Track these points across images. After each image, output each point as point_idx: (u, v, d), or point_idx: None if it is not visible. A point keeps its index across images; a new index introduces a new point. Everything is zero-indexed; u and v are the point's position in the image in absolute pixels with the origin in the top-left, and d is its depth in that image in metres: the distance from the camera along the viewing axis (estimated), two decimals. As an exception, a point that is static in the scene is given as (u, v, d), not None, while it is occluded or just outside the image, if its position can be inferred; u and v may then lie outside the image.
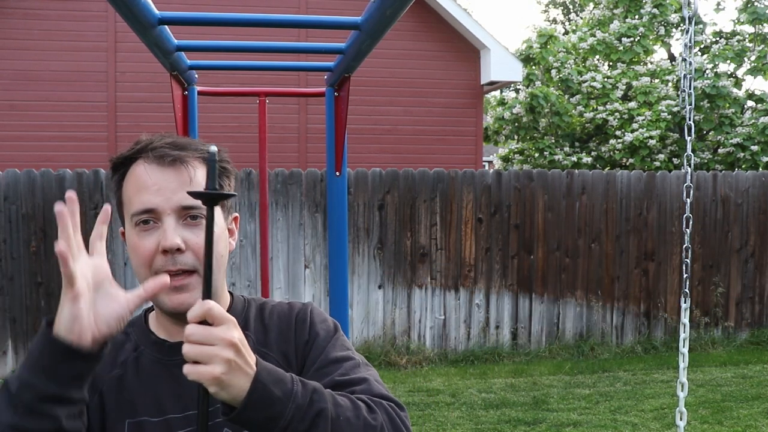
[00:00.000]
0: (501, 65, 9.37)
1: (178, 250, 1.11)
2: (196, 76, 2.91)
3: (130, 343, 1.23)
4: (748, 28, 12.57)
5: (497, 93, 14.47)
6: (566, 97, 12.42)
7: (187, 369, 0.95)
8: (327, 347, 1.22)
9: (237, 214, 1.28)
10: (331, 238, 2.94)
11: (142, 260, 1.13)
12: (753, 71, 11.97)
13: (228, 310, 1.24)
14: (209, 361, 0.94)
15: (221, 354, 0.94)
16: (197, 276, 1.13)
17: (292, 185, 6.78)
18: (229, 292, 1.30)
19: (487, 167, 21.97)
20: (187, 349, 0.95)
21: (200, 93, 3.00)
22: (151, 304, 1.22)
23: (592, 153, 11.98)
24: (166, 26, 2.06)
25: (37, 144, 8.50)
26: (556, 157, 11.52)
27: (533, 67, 12.59)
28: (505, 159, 12.92)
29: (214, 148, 1.05)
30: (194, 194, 1.00)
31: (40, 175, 6.40)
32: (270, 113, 3.60)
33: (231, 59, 7.01)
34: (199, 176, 1.16)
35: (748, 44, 12.34)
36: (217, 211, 1.17)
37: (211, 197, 0.98)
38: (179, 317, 1.16)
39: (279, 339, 1.24)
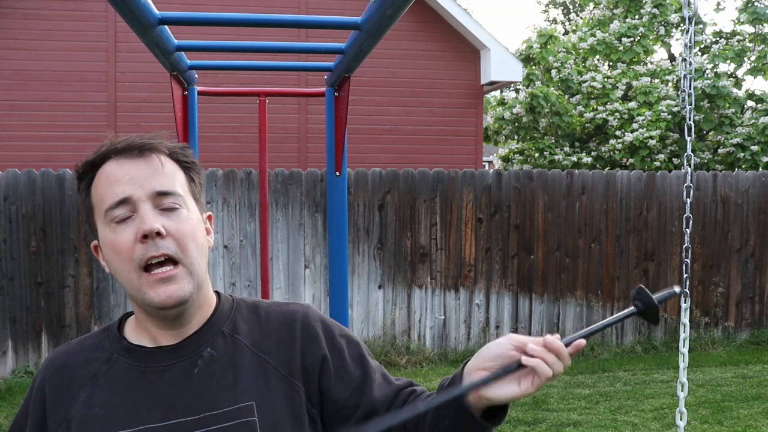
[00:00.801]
0: (501, 65, 9.37)
1: (158, 234, 1.06)
2: (196, 76, 2.92)
3: (102, 353, 1.16)
4: (748, 28, 12.57)
5: (497, 93, 14.47)
6: (566, 97, 12.42)
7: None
8: (363, 363, 1.21)
9: (210, 213, 1.23)
10: (331, 238, 2.95)
11: (123, 255, 1.08)
12: (753, 71, 11.97)
13: (214, 311, 1.19)
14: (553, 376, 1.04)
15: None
16: (182, 267, 1.09)
17: (292, 185, 6.78)
18: (215, 291, 1.23)
19: (487, 167, 21.96)
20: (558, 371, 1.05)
21: (200, 93, 3.00)
22: (127, 309, 1.21)
23: (592, 153, 11.98)
24: (166, 26, 2.06)
25: (37, 144, 8.50)
26: (556, 157, 11.52)
27: (533, 67, 12.59)
28: (505, 159, 12.92)
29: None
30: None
31: (40, 175, 6.40)
32: (270, 113, 3.60)
33: (231, 59, 7.00)
34: (169, 167, 1.13)
35: (748, 44, 12.34)
36: (192, 204, 1.15)
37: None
38: (165, 316, 1.12)
39: (280, 345, 1.17)
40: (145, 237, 1.06)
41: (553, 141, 11.99)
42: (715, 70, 11.63)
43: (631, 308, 1.09)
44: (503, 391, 1.05)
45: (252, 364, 1.15)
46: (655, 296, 1.07)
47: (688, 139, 2.83)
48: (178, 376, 1.12)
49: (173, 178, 1.13)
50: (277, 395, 1.14)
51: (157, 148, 1.14)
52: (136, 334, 1.17)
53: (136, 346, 1.15)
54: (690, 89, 2.80)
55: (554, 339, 1.05)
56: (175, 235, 1.09)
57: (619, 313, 1.10)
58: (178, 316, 1.13)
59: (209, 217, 1.22)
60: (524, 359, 1.03)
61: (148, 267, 1.08)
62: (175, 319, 1.13)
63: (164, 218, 1.09)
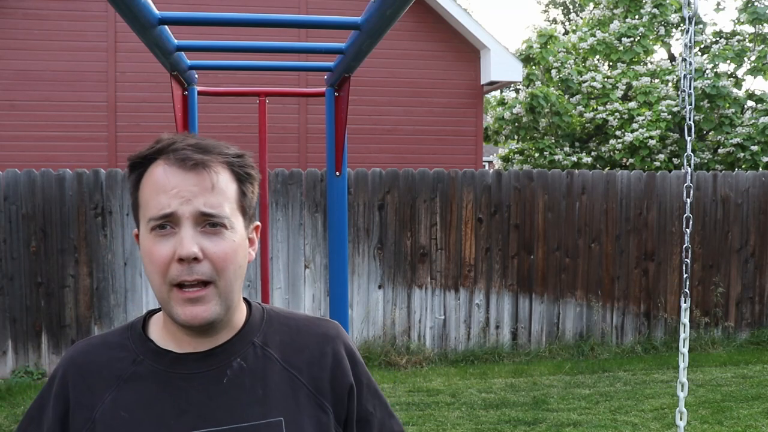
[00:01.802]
0: (501, 65, 9.37)
1: (195, 259, 1.04)
2: (196, 76, 2.92)
3: (127, 353, 1.14)
4: (748, 28, 12.57)
5: (497, 93, 14.47)
6: (566, 97, 12.42)
7: None
8: (376, 398, 1.24)
9: (259, 223, 1.20)
10: (331, 238, 2.95)
11: (157, 268, 1.06)
12: (753, 71, 11.97)
13: (245, 322, 1.17)
14: None
15: None
16: (213, 287, 1.07)
17: (292, 185, 6.78)
18: (245, 299, 1.21)
19: (487, 167, 21.96)
20: None
21: (200, 93, 3.00)
22: (152, 306, 1.21)
23: (592, 153, 11.98)
24: (166, 26, 2.06)
25: (37, 144, 8.50)
26: (556, 157, 11.52)
27: (533, 67, 12.59)
28: (505, 159, 12.92)
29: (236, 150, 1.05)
30: None
31: (40, 175, 6.40)
32: (270, 113, 3.61)
33: (231, 59, 7.01)
34: (222, 182, 1.09)
35: (748, 44, 12.34)
36: (239, 219, 1.11)
37: None
38: (192, 328, 1.10)
39: (311, 362, 1.17)
40: (182, 259, 1.04)
41: (553, 141, 11.99)
42: (715, 70, 11.63)
43: None
44: None
45: (282, 379, 1.14)
46: None
47: (688, 139, 2.83)
48: (206, 385, 1.11)
49: (223, 196, 1.08)
50: (306, 413, 1.13)
51: (214, 162, 1.09)
52: (162, 336, 1.15)
53: (163, 350, 1.13)
54: (690, 89, 2.80)
55: None
56: (212, 259, 1.06)
57: None
58: (203, 331, 1.12)
59: (256, 228, 1.19)
60: None
61: (180, 284, 1.06)
62: (201, 333, 1.12)
63: (205, 239, 1.06)
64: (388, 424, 1.22)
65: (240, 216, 1.12)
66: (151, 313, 1.21)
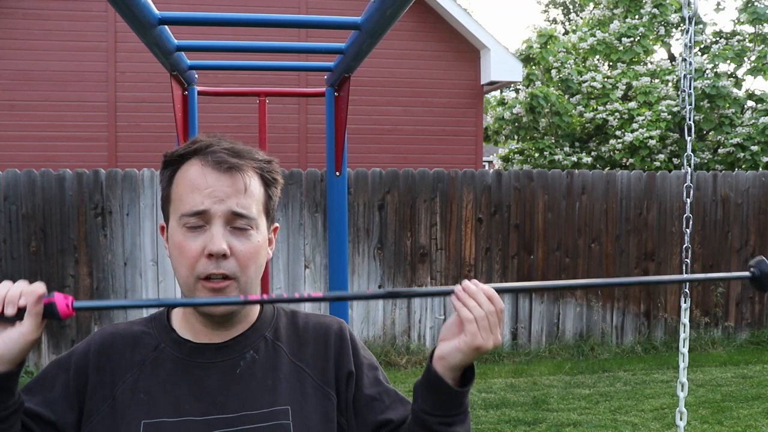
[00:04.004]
0: (501, 65, 9.37)
1: (224, 255, 1.12)
2: (196, 76, 2.92)
3: (150, 340, 1.21)
4: (748, 28, 12.57)
5: (497, 93, 14.47)
6: (566, 97, 12.42)
7: (487, 336, 1.08)
8: (379, 381, 1.27)
9: (278, 225, 1.28)
10: (331, 238, 2.95)
11: (187, 261, 1.13)
12: (753, 71, 11.97)
13: (259, 316, 1.25)
14: (495, 330, 1.09)
15: (499, 329, 1.11)
16: (236, 283, 1.14)
17: (292, 185, 6.78)
18: None
19: (487, 167, 21.96)
20: (480, 314, 1.09)
21: (200, 93, 3.00)
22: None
23: (592, 153, 11.98)
24: (166, 26, 2.06)
25: (37, 144, 8.50)
26: (556, 157, 11.52)
27: (533, 67, 12.59)
28: (505, 159, 12.92)
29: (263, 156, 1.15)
30: None
31: (40, 175, 6.40)
32: (270, 113, 3.61)
33: (231, 59, 7.00)
34: (253, 186, 1.17)
35: (748, 44, 12.34)
36: (263, 221, 1.19)
37: None
38: (212, 319, 1.18)
39: (316, 355, 1.24)
40: (211, 255, 1.12)
41: (553, 141, 11.99)
42: (715, 70, 11.63)
43: (746, 273, 1.16)
44: (448, 344, 1.11)
45: (290, 370, 1.21)
46: None
47: (688, 139, 2.83)
48: (221, 374, 1.17)
49: (252, 198, 1.16)
50: (312, 402, 1.20)
51: (246, 166, 1.17)
52: (181, 327, 1.22)
53: (183, 339, 1.20)
54: (690, 89, 2.80)
55: (469, 282, 1.11)
56: (239, 257, 1.14)
57: (730, 273, 1.24)
58: (224, 321, 1.19)
59: (275, 229, 1.27)
60: (452, 300, 1.12)
61: (207, 277, 1.13)
62: (221, 324, 1.19)
63: (233, 238, 1.14)
64: (401, 409, 1.24)
65: (264, 218, 1.21)
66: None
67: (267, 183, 1.21)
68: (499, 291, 1.12)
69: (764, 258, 1.16)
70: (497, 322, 1.10)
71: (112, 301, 1.14)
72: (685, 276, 1.18)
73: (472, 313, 1.08)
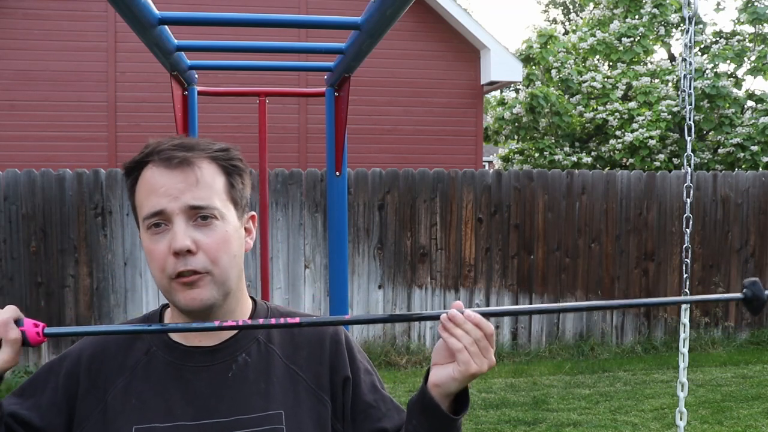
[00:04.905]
0: (501, 65, 9.37)
1: (189, 251, 1.10)
2: (196, 76, 2.92)
3: (142, 343, 1.19)
4: (748, 28, 12.57)
5: (497, 93, 14.47)
6: (566, 97, 12.42)
7: (481, 361, 1.07)
8: (375, 387, 1.26)
9: (254, 213, 1.25)
10: (331, 238, 2.95)
11: (157, 264, 1.12)
12: (753, 71, 11.97)
13: (250, 318, 1.23)
14: (487, 353, 1.08)
15: (492, 350, 1.09)
16: (209, 276, 1.12)
17: (292, 185, 6.78)
18: (251, 297, 1.27)
19: (487, 167, 21.95)
20: (468, 342, 1.07)
21: (200, 93, 3.00)
22: (152, 307, 1.23)
23: (592, 153, 11.98)
24: (166, 26, 2.06)
25: (37, 144, 8.50)
26: (556, 157, 11.52)
27: (533, 67, 12.59)
28: (505, 159, 12.92)
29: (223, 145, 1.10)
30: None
31: (40, 175, 6.40)
32: (270, 113, 3.61)
33: (231, 59, 7.00)
34: (208, 176, 1.14)
35: (748, 44, 12.34)
36: (230, 210, 1.16)
37: None
38: (196, 316, 1.16)
39: (310, 359, 1.22)
40: (177, 253, 1.10)
41: (553, 141, 11.99)
42: (715, 70, 11.63)
43: (738, 294, 1.17)
44: (442, 371, 1.10)
45: (283, 374, 1.19)
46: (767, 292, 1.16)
47: (688, 139, 2.83)
48: (213, 378, 1.16)
49: (210, 188, 1.14)
50: (305, 407, 1.18)
51: (197, 157, 1.14)
52: None
53: (175, 342, 1.19)
54: (690, 89, 2.80)
55: (455, 311, 1.09)
56: (206, 249, 1.11)
57: (722, 295, 1.21)
58: (205, 317, 1.16)
59: (252, 218, 1.24)
60: (439, 330, 1.10)
61: (178, 275, 1.11)
62: (204, 320, 1.16)
63: (197, 232, 1.12)
64: (396, 417, 1.23)
65: (231, 207, 1.17)
66: (166, 306, 1.26)
67: (227, 171, 1.17)
68: (486, 315, 1.10)
69: (758, 280, 1.16)
70: (488, 346, 1.08)
71: (85, 327, 1.12)
72: (681, 298, 1.19)
73: (460, 342, 1.07)
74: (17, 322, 1.05)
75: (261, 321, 1.10)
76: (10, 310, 1.04)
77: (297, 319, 1.09)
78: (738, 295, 1.16)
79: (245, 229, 1.21)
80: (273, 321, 1.10)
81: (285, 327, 1.11)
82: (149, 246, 1.13)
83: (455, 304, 1.10)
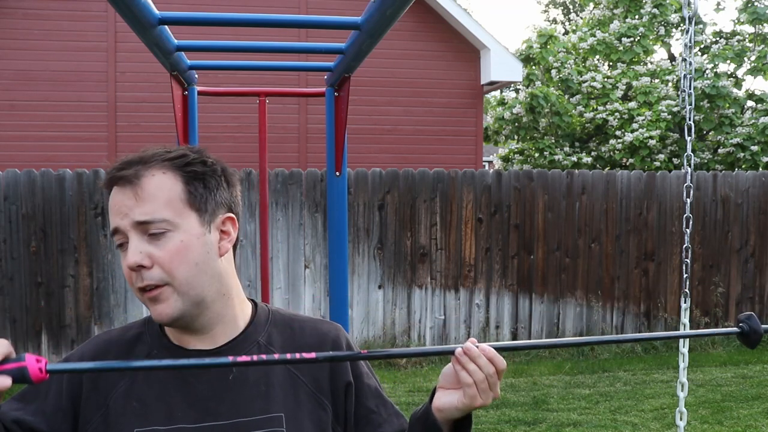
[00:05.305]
0: (501, 65, 9.37)
1: (143, 266, 1.10)
2: (196, 76, 2.91)
3: (143, 346, 1.20)
4: (748, 28, 12.57)
5: (497, 93, 14.47)
6: (566, 97, 12.42)
7: (486, 396, 1.09)
8: (376, 393, 1.27)
9: (231, 215, 1.20)
10: (331, 238, 2.94)
11: (127, 279, 1.15)
12: (753, 71, 11.97)
13: (251, 321, 1.23)
14: (495, 388, 1.10)
15: (499, 384, 1.11)
16: (169, 287, 1.11)
17: (292, 185, 6.78)
18: (251, 300, 1.27)
19: (487, 167, 21.95)
20: (480, 378, 1.09)
21: (200, 93, 3.00)
22: (127, 309, 1.24)
23: (592, 153, 11.98)
24: (166, 26, 2.06)
25: (37, 144, 8.50)
26: (556, 157, 11.52)
27: (533, 67, 12.59)
28: (505, 159, 12.92)
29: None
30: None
31: (40, 175, 6.40)
32: (270, 113, 3.61)
33: (231, 59, 7.00)
34: (154, 187, 1.11)
35: (748, 44, 12.34)
36: (189, 217, 1.13)
37: None
38: (178, 327, 1.17)
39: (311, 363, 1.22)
40: (132, 270, 1.11)
41: (553, 141, 11.99)
42: (715, 70, 11.63)
43: (735, 329, 1.18)
44: (447, 398, 1.12)
45: (284, 377, 1.20)
46: (764, 327, 1.18)
47: (688, 139, 2.83)
48: (213, 381, 1.16)
49: (155, 201, 1.11)
50: (306, 410, 1.18)
51: (144, 171, 1.12)
52: (173, 332, 1.21)
53: (176, 346, 1.19)
54: (690, 89, 2.80)
55: (470, 344, 1.10)
56: (160, 262, 1.11)
57: (718, 329, 1.24)
58: (185, 327, 1.17)
59: (229, 219, 1.19)
60: (452, 361, 1.11)
61: (141, 289, 1.13)
62: (186, 330, 1.18)
63: (150, 246, 1.11)
64: (396, 423, 1.24)
65: (192, 213, 1.13)
66: None
67: (184, 179, 1.14)
68: (501, 350, 1.10)
69: (754, 314, 1.18)
70: (497, 381, 1.10)
71: (89, 364, 1.09)
72: (679, 332, 1.21)
73: (471, 378, 1.08)
74: (17, 359, 0.96)
75: (276, 356, 1.07)
76: (3, 346, 0.97)
77: (313, 355, 1.06)
78: (734, 329, 1.18)
79: (222, 231, 1.18)
80: (288, 356, 1.06)
81: (299, 363, 1.08)
82: (121, 262, 1.16)
83: (470, 340, 1.11)
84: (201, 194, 1.15)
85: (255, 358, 1.05)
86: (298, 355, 1.06)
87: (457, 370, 1.09)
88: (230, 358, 1.04)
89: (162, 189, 1.12)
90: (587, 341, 1.17)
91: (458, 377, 1.09)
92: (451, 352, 1.10)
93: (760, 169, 10.78)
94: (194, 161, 1.16)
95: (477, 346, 1.09)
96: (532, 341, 1.22)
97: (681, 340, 2.89)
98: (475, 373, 1.08)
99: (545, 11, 31.54)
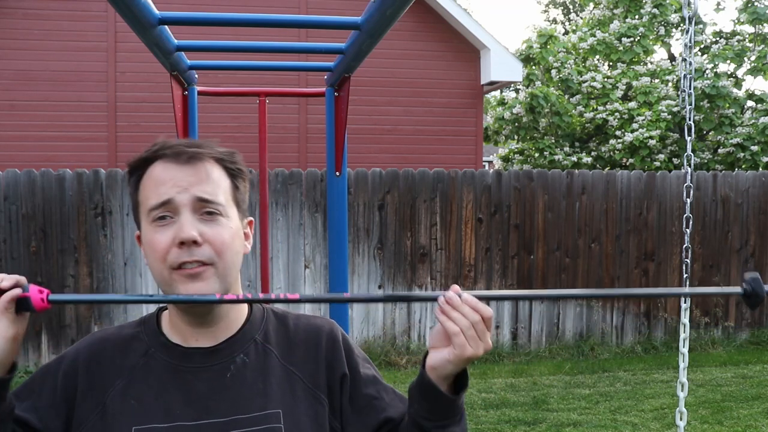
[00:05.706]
0: (501, 65, 9.37)
1: (195, 242, 1.10)
2: (196, 76, 2.92)
3: (140, 345, 1.20)
4: (748, 28, 12.57)
5: (497, 93, 14.47)
6: (566, 97, 12.42)
7: (477, 345, 1.07)
8: (375, 381, 1.28)
9: (252, 219, 1.26)
10: (331, 238, 2.95)
11: (158, 254, 1.12)
12: (753, 71, 11.97)
13: (248, 319, 1.23)
14: (484, 337, 1.08)
15: (489, 334, 1.10)
16: (213, 268, 1.12)
17: (292, 185, 6.78)
18: None
19: (487, 167, 21.95)
20: (465, 325, 1.07)
21: (200, 93, 3.00)
22: (151, 307, 1.23)
23: (592, 153, 11.98)
24: (166, 26, 2.06)
25: (37, 144, 8.50)
26: (556, 157, 11.52)
27: (533, 67, 12.59)
28: (505, 159, 12.92)
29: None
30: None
31: (40, 175, 6.40)
32: (270, 113, 3.61)
33: (231, 59, 7.00)
34: (216, 174, 1.16)
35: (748, 44, 12.34)
36: (234, 210, 1.18)
37: None
38: (194, 315, 1.17)
39: (306, 358, 1.23)
40: (182, 243, 1.10)
41: (553, 141, 11.99)
42: (715, 70, 11.63)
43: (738, 288, 1.16)
44: (438, 354, 1.11)
45: (281, 374, 1.20)
46: (767, 287, 1.16)
47: (688, 139, 2.83)
48: (211, 379, 1.17)
49: (217, 186, 1.15)
50: (303, 405, 1.19)
51: (206, 155, 1.17)
52: (171, 330, 1.21)
53: (173, 344, 1.19)
54: (690, 89, 2.81)
55: (452, 292, 1.09)
56: (212, 242, 1.12)
57: (722, 288, 1.21)
58: (204, 314, 1.17)
59: (250, 223, 1.25)
60: (436, 312, 1.10)
61: (180, 266, 1.11)
62: (203, 317, 1.17)
63: (203, 225, 1.13)
64: (401, 406, 1.24)
65: (235, 208, 1.19)
66: (162, 309, 1.26)
67: (231, 174, 1.19)
68: (483, 299, 1.10)
69: (759, 276, 1.16)
70: (485, 330, 1.08)
71: (90, 295, 1.13)
72: (680, 289, 1.19)
73: (457, 325, 1.07)
74: (21, 289, 1.05)
75: (261, 295, 1.14)
76: (7, 279, 1.05)
77: (296, 295, 1.11)
78: (737, 289, 1.16)
79: (244, 233, 1.22)
80: (272, 296, 1.13)
81: (284, 302, 1.12)
82: (152, 237, 1.12)
83: (453, 287, 1.10)
84: (242, 193, 1.22)
85: (240, 296, 1.11)
86: (282, 295, 1.11)
87: (442, 321, 1.08)
88: (217, 296, 1.10)
89: (221, 177, 1.17)
90: (576, 294, 1.16)
91: (445, 328, 1.08)
92: (435, 299, 1.10)
93: (760, 169, 10.78)
94: (239, 160, 1.22)
95: (460, 296, 1.08)
96: (513, 291, 1.24)
97: (681, 341, 2.89)
98: (459, 320, 1.07)
99: (545, 11, 31.55)
